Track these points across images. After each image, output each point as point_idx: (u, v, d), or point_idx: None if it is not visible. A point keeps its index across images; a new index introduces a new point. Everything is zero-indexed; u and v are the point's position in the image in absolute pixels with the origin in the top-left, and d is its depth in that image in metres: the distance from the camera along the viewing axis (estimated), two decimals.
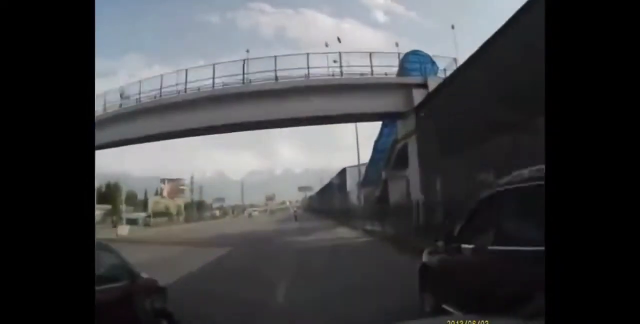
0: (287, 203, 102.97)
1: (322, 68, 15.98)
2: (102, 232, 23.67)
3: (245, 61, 16.48)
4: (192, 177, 70.84)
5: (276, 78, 15.97)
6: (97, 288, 1.73)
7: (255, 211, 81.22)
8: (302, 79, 15.91)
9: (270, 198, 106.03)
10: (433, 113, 13.07)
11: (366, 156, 25.65)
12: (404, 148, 15.79)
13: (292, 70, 16.03)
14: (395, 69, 16.21)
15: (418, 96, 14.67)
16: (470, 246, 3.07)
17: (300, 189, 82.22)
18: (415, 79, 15.31)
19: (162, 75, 17.91)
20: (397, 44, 18.86)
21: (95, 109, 15.71)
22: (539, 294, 1.29)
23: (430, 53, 16.42)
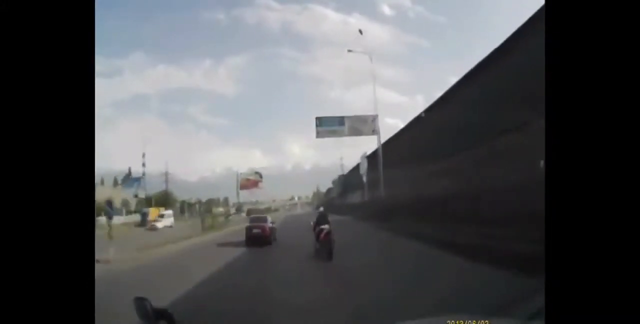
0: (296, 199, 67.55)
1: None
2: None
3: None
4: (143, 155, 40.09)
5: None
6: (270, 224, 13.91)
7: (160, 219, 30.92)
8: None
9: (250, 184, 48.67)
10: None
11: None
12: None
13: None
14: None
15: None
16: None
17: (320, 132, 25.05)
18: None
19: None
20: None
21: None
22: None
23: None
